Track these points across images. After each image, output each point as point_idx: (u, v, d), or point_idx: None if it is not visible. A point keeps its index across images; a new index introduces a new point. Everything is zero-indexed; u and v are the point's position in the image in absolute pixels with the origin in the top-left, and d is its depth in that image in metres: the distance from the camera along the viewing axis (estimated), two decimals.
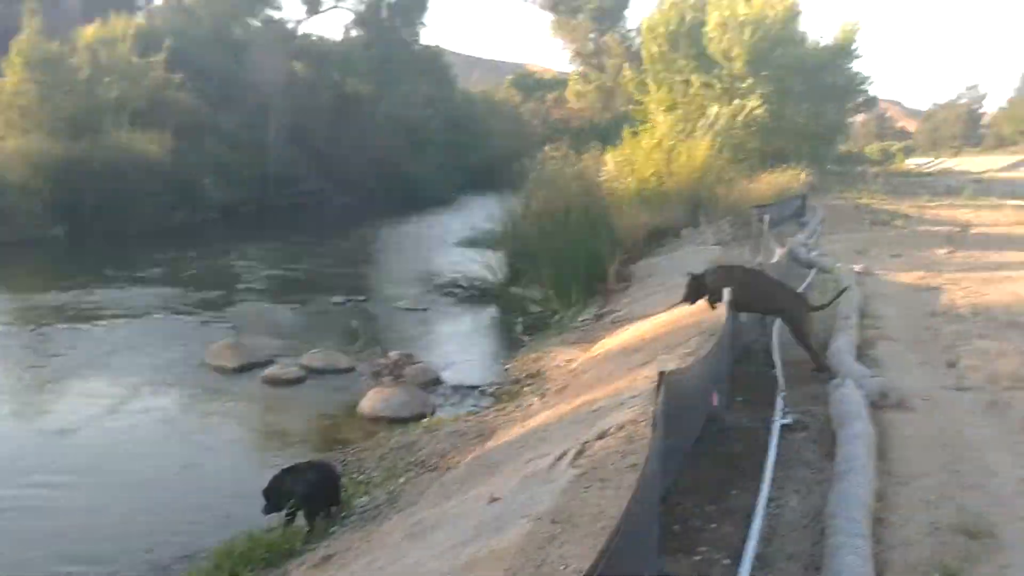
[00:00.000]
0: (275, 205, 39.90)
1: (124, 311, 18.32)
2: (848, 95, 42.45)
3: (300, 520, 8.45)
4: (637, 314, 15.49)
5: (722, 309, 7.85)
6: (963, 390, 7.88)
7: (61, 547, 8.18)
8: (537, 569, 4.51)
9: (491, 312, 20.41)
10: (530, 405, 11.22)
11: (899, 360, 9.17)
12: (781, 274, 12.89)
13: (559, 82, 79.16)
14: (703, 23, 37.92)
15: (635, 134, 28.30)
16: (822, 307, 9.80)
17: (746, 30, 35.72)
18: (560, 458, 6.64)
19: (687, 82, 38.26)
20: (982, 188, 39.44)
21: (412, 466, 9.89)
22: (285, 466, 9.04)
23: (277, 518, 8.46)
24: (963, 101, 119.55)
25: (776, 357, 8.68)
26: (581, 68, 74.13)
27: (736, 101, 33.81)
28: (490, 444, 9.64)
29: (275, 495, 8.74)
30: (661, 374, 4.08)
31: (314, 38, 52.83)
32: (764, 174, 29.13)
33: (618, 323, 15.45)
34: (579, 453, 6.61)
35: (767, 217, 16.31)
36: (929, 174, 58.49)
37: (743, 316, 9.88)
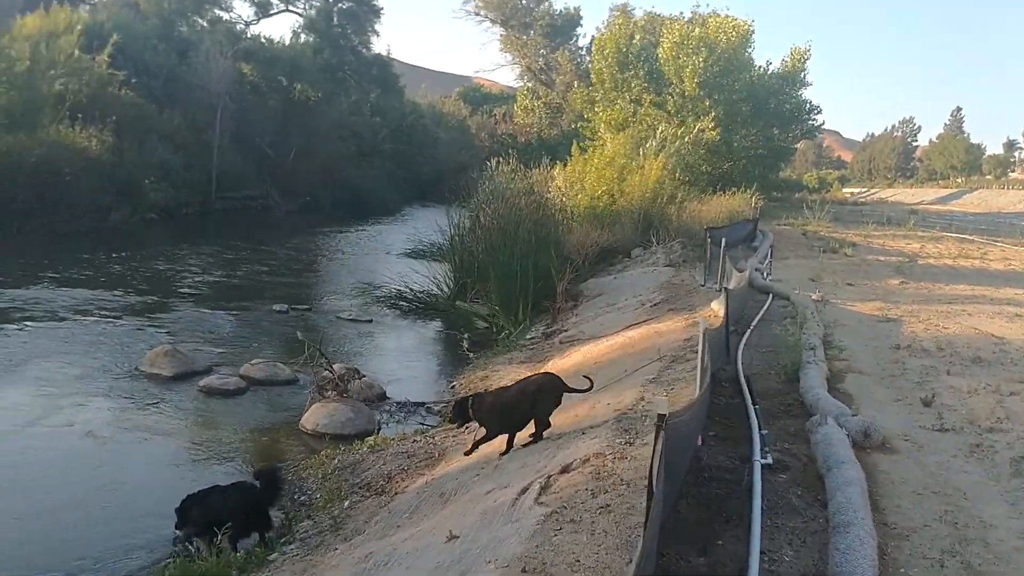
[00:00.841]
0: (218, 209, 38.88)
1: (51, 314, 17.45)
2: (794, 122, 43.08)
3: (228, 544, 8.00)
4: (588, 334, 15.25)
5: (700, 338, 7.51)
6: (943, 431, 7.73)
7: None
8: None
9: (436, 326, 19.98)
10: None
11: (871, 396, 9.03)
12: (741, 300, 12.75)
13: (507, 97, 79.24)
14: (655, 43, 38.15)
15: (584, 151, 28.20)
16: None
17: (700, 53, 35.98)
18: (523, 493, 6.28)
19: (637, 101, 38.40)
20: (919, 219, 40.31)
21: (357, 488, 9.43)
22: (205, 487, 8.60)
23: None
24: (897, 134, 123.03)
25: (745, 389, 8.45)
26: (530, 84, 74.27)
27: (688, 122, 33.98)
28: (440, 469, 9.23)
29: (189, 514, 8.28)
30: (661, 417, 3.69)
31: (263, 41, 51.78)
32: (714, 197, 29.26)
33: (567, 342, 15.17)
34: (544, 488, 6.26)
35: (724, 240, 16.21)
36: (865, 203, 59.87)
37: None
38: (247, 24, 53.47)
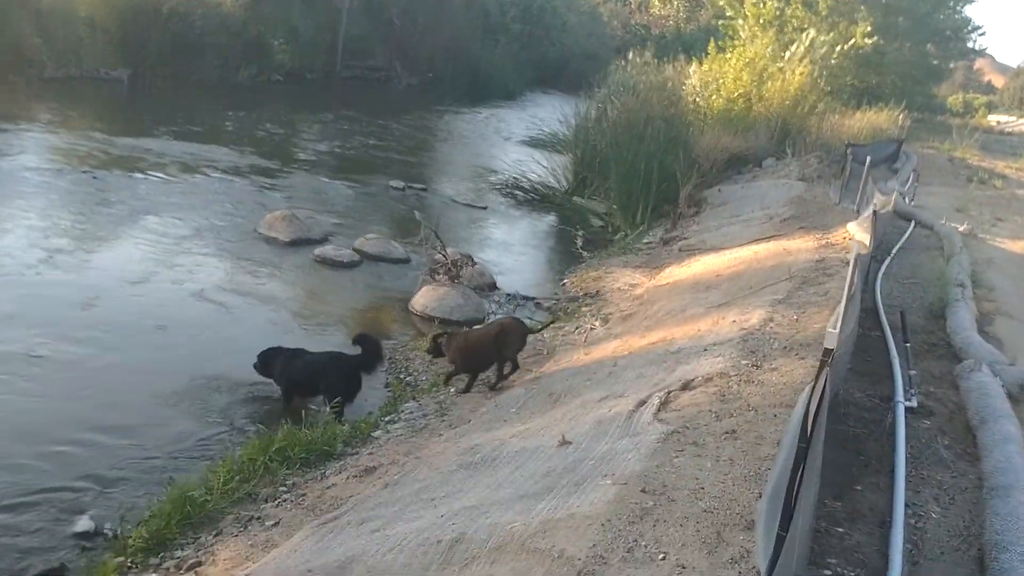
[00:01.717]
0: (341, 77, 38.78)
1: (179, 165, 17.77)
2: (953, 41, 39.81)
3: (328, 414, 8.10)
4: (709, 244, 14.61)
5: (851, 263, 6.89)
6: None
7: (84, 410, 7.74)
8: (628, 553, 3.85)
9: (550, 220, 19.59)
10: (591, 329, 10.52)
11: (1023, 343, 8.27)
12: (882, 224, 11.87)
13: None
14: None
15: (722, 50, 26.70)
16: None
17: None
18: (640, 406, 5.95)
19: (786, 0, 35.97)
20: None
21: (463, 376, 9.29)
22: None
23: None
24: None
25: (885, 322, 7.84)
26: None
27: (839, 28, 31.66)
28: (548, 367, 9.00)
29: (271, 365, 8.55)
30: (828, 352, 3.22)
31: None
32: (857, 112, 27.43)
33: (687, 251, 14.59)
34: (663, 404, 5.91)
35: (868, 159, 15.10)
36: (1011, 133, 55.62)
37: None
38: None
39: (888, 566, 3.90)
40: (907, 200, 16.96)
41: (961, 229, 14.49)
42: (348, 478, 6.64)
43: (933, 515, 4.45)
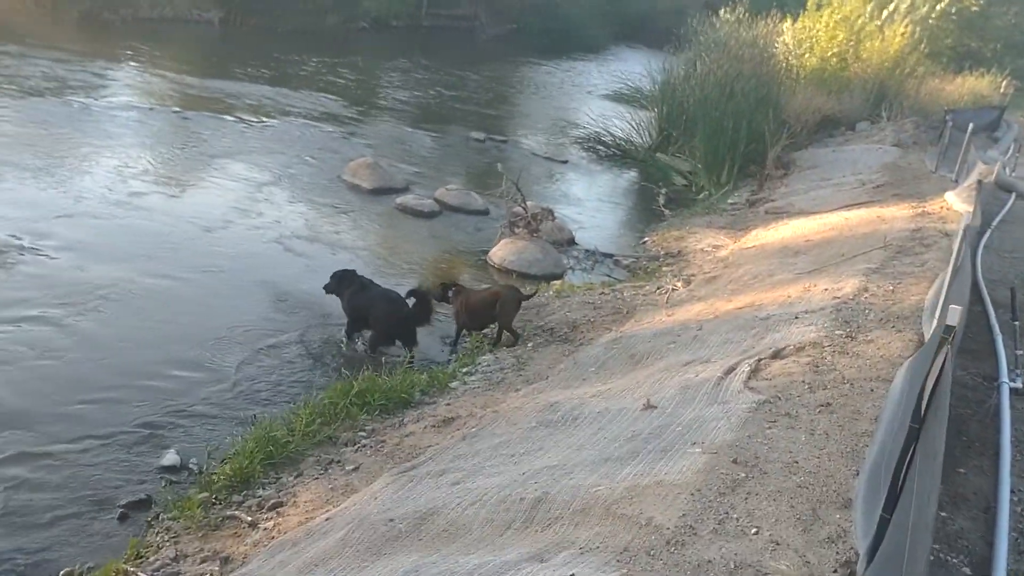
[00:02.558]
0: (425, 25, 38.52)
1: (266, 109, 17.93)
2: None
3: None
4: (797, 208, 14.20)
5: (959, 234, 6.56)
6: None
7: (170, 347, 7.89)
8: (719, 525, 3.73)
9: (632, 177, 19.25)
10: (673, 290, 10.30)
11: None
12: (984, 195, 11.34)
13: None
14: None
15: (819, 7, 25.69)
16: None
17: None
18: (729, 373, 5.79)
19: None
20: None
21: (541, 331, 9.23)
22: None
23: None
24: None
25: (986, 296, 7.47)
26: None
27: None
28: (629, 327, 8.84)
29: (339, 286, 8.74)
30: (950, 330, 3.00)
31: None
32: (957, 76, 26.19)
33: (773, 214, 14.20)
34: (753, 372, 5.73)
35: (971, 126, 14.40)
36: None
37: None
38: None
39: (993, 554, 3.71)
40: (1008, 171, 16.16)
41: None
42: (426, 428, 6.65)
43: None
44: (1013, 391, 5.46)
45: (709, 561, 3.47)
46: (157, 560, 4.91)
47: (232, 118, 16.66)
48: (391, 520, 4.48)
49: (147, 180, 12.33)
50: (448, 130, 19.70)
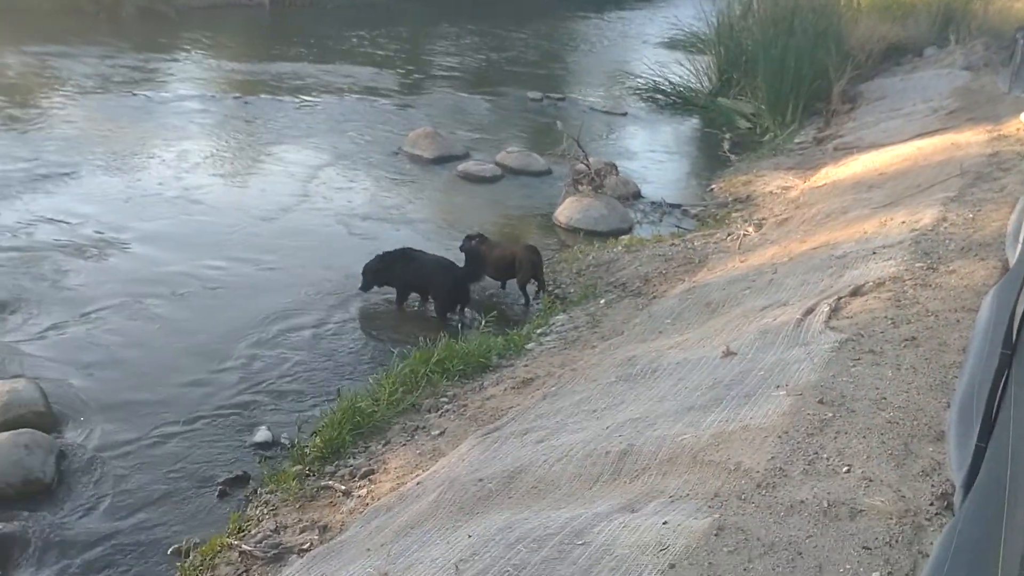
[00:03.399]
0: None
1: (322, 87, 18.07)
2: None
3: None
4: (868, 142, 13.80)
5: None
6: None
7: (250, 327, 8.11)
8: (809, 465, 3.71)
9: (694, 124, 18.92)
10: (745, 235, 10.16)
11: None
12: None
13: None
14: None
15: None
16: None
17: None
18: (808, 314, 5.70)
19: None
20: None
21: (612, 287, 9.21)
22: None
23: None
24: None
25: None
26: None
27: None
28: (702, 276, 8.77)
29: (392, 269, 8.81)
30: None
31: None
32: None
33: (843, 150, 13.84)
34: (833, 311, 5.64)
35: None
36: None
37: None
38: None
39: None
40: None
41: None
42: (506, 389, 6.72)
43: None
44: None
45: (802, 501, 3.46)
46: (259, 532, 5.09)
47: (291, 99, 16.86)
48: (480, 480, 4.56)
49: (213, 168, 12.60)
50: (503, 92, 19.61)
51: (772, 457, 3.77)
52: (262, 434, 6.36)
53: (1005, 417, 3.04)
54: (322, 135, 14.73)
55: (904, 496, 3.47)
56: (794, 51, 17.29)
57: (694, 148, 17.58)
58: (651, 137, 17.58)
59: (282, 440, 6.35)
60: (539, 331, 8.17)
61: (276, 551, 4.83)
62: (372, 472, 5.60)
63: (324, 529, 4.99)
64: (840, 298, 5.86)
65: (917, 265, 6.38)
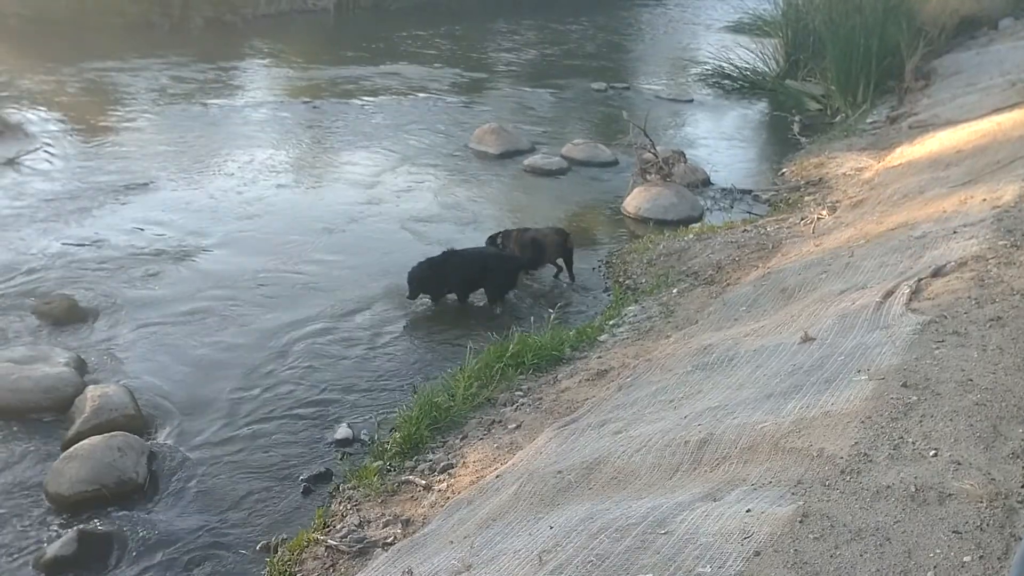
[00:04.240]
0: None
1: (387, 88, 18.29)
2: None
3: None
4: (943, 118, 13.40)
5: None
6: None
7: (325, 328, 8.27)
8: (895, 450, 3.65)
9: (762, 108, 18.64)
10: (819, 219, 9.97)
11: None
12: None
13: None
14: None
15: None
16: None
17: None
18: (888, 296, 5.59)
19: None
20: None
21: (684, 276, 9.13)
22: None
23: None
24: None
25: None
26: None
27: None
28: (776, 261, 8.64)
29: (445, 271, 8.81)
30: None
31: None
32: None
33: (918, 128, 13.46)
34: (914, 293, 5.52)
35: None
36: None
37: None
38: None
39: None
40: None
41: None
42: (580, 381, 6.73)
43: None
44: None
45: (888, 486, 3.41)
46: (343, 527, 5.20)
47: (357, 101, 17.10)
48: (559, 472, 4.59)
49: (284, 173, 12.85)
50: (567, 85, 19.57)
51: (855, 443, 3.71)
52: (343, 431, 6.49)
53: None
54: (388, 136, 14.90)
55: (994, 479, 3.38)
56: (863, 29, 16.89)
57: (763, 132, 17.32)
58: (718, 123, 17.39)
59: (362, 436, 6.46)
60: (611, 322, 8.15)
61: (361, 545, 4.93)
62: (451, 466, 5.66)
63: (407, 523, 5.07)
64: (921, 279, 5.73)
65: (1000, 243, 6.20)
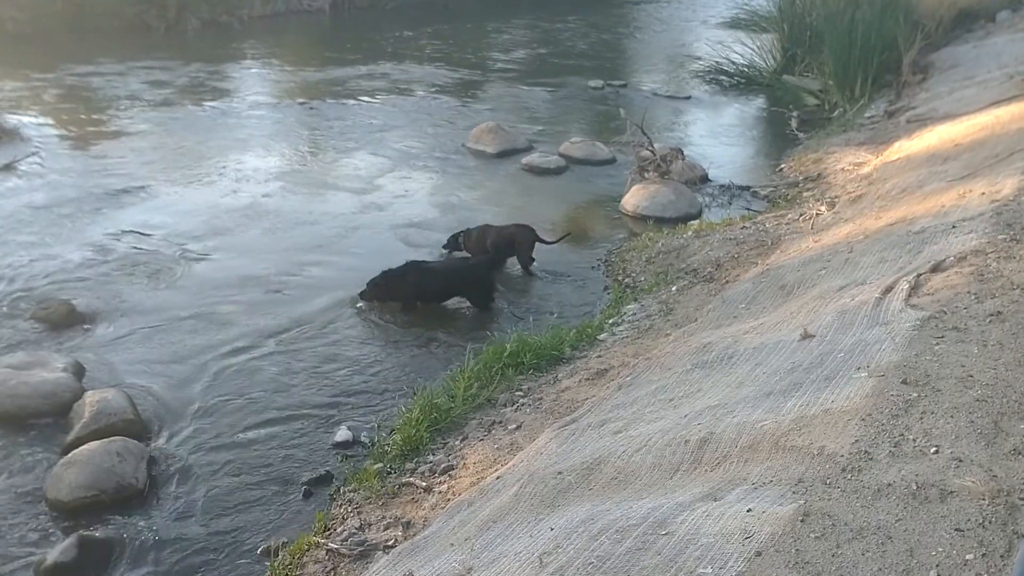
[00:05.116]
0: None
1: (384, 88, 18.25)
2: None
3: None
4: (941, 112, 13.38)
5: None
6: None
7: (326, 331, 8.26)
8: (895, 447, 3.63)
9: (759, 104, 18.59)
10: (817, 215, 9.96)
11: None
12: None
13: None
14: None
15: None
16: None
17: None
18: (887, 292, 5.58)
19: None
20: None
21: (683, 274, 9.12)
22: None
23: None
24: None
25: None
26: None
27: None
28: (775, 258, 8.63)
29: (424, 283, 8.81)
30: None
31: None
32: None
33: (916, 122, 13.45)
34: (913, 288, 5.50)
35: None
36: None
37: None
38: None
39: None
40: None
41: None
42: (580, 381, 6.72)
43: None
44: None
45: (889, 484, 3.39)
46: (344, 530, 5.19)
47: (355, 101, 17.07)
48: (560, 473, 4.57)
49: (283, 174, 12.81)
50: (563, 83, 19.53)
51: (856, 440, 3.70)
52: (342, 434, 6.47)
53: None
54: (386, 136, 14.87)
55: (996, 476, 3.37)
56: (860, 23, 16.85)
57: (761, 128, 17.28)
58: (716, 119, 17.35)
59: (362, 439, 6.45)
60: (611, 321, 8.15)
61: (362, 548, 4.91)
62: (451, 468, 5.65)
63: (407, 525, 5.06)
64: (920, 275, 5.72)
65: (999, 237, 6.18)
